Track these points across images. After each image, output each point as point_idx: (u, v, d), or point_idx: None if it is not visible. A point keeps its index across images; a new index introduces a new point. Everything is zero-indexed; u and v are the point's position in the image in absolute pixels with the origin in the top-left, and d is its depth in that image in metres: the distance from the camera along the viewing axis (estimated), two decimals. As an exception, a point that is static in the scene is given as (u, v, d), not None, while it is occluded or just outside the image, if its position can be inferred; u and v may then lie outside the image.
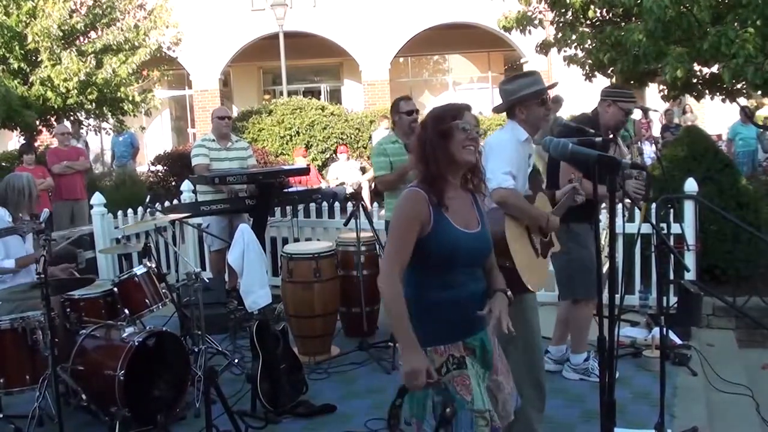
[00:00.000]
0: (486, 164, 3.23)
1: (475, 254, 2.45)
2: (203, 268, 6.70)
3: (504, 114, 3.53)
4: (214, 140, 6.30)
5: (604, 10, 7.70)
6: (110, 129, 13.27)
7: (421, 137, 2.45)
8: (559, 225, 3.40)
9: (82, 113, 11.82)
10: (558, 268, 4.39)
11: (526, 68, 17.78)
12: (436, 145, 2.39)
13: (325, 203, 6.96)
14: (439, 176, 2.39)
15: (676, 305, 5.13)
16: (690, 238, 5.51)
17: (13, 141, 15.36)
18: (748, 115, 11.10)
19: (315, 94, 18.86)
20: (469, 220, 2.44)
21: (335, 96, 19.85)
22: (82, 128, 12.94)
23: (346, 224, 5.37)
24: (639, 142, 11.68)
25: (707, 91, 8.12)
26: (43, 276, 3.46)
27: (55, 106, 10.91)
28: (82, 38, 11.61)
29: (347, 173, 10.56)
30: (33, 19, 10.48)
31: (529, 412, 3.21)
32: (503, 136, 3.34)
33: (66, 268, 4.50)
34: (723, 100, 8.46)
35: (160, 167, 10.20)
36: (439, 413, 2.29)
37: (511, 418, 2.55)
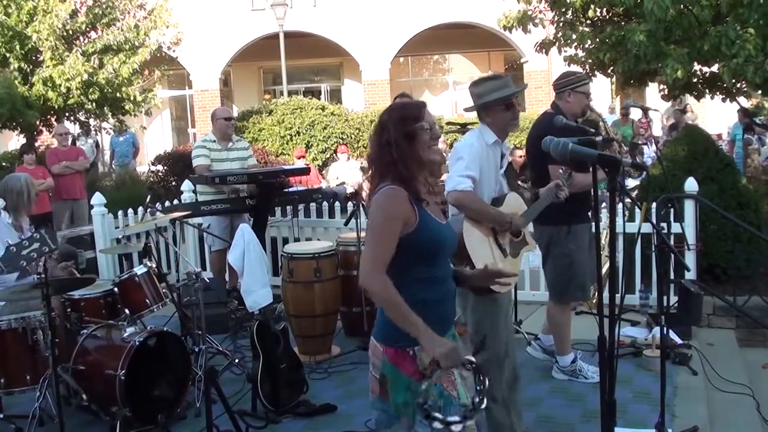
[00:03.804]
0: (450, 167, 3.28)
1: (453, 244, 2.53)
2: (204, 268, 6.69)
3: None
4: (214, 141, 6.29)
5: (605, 9, 7.70)
6: (111, 129, 13.27)
7: (384, 140, 2.39)
8: (523, 224, 3.39)
9: (82, 113, 11.81)
10: (557, 271, 4.27)
11: (526, 68, 17.83)
12: (403, 148, 2.37)
13: (325, 203, 6.97)
14: (411, 176, 2.38)
15: (676, 305, 5.13)
16: (690, 237, 5.50)
17: (13, 141, 15.35)
18: (746, 114, 11.11)
19: (315, 93, 18.84)
20: (439, 214, 2.51)
21: (335, 96, 19.84)
22: (92, 128, 12.95)
23: (346, 224, 5.37)
24: (640, 142, 11.67)
25: (707, 91, 8.12)
26: (43, 276, 3.47)
27: (56, 106, 10.90)
28: (82, 38, 11.60)
29: (348, 173, 10.53)
30: (33, 19, 10.47)
31: (502, 407, 3.26)
32: (469, 140, 3.36)
33: (66, 266, 4.50)
34: (723, 100, 8.47)
35: (160, 167, 10.19)
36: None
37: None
